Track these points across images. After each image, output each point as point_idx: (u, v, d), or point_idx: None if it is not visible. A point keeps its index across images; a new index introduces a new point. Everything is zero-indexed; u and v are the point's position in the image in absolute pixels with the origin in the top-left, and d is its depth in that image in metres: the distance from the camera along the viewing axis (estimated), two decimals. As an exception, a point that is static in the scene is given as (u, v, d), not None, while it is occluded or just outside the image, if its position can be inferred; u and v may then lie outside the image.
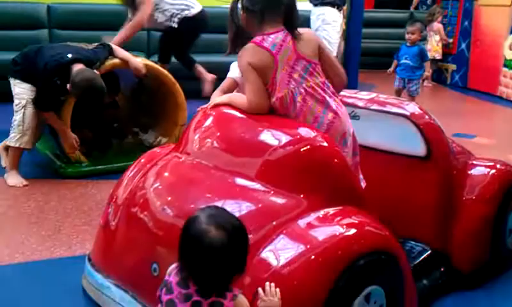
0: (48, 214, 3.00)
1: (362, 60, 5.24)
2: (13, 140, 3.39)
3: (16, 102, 3.38)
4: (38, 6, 6.03)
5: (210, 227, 1.42)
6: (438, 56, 7.76)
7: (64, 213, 3.02)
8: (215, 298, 1.44)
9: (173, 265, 1.54)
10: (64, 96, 3.41)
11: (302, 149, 1.89)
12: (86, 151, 3.71)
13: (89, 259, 2.24)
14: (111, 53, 3.57)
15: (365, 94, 2.47)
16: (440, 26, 7.75)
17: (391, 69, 5.61)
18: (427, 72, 6.30)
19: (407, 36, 5.43)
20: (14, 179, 3.41)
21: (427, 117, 2.30)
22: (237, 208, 1.81)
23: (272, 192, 1.85)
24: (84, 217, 2.98)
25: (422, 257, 2.24)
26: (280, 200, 1.83)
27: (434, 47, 7.71)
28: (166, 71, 3.88)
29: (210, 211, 1.49)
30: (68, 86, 3.25)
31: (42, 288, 2.25)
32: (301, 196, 1.83)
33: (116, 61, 3.59)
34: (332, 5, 5.35)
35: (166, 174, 2.11)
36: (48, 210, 3.05)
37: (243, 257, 1.48)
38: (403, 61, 5.40)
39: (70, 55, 3.31)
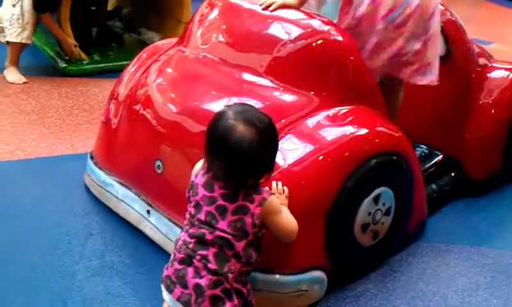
0: (49, 112, 2.93)
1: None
2: (13, 35, 3.24)
3: None
4: None
5: (239, 123, 1.34)
6: None
7: (66, 111, 2.95)
8: (241, 202, 1.37)
9: (199, 165, 1.47)
10: None
11: (314, 44, 1.77)
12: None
13: (92, 157, 2.20)
14: None
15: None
16: None
17: None
18: None
19: None
20: (14, 75, 3.31)
21: (448, 14, 2.15)
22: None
23: (281, 88, 1.75)
24: (86, 115, 2.91)
25: (433, 161, 2.19)
26: (289, 97, 1.74)
27: None
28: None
29: (237, 107, 1.41)
30: None
31: (44, 185, 2.22)
32: (312, 93, 1.74)
33: None
34: None
35: (169, 69, 2.01)
36: (49, 108, 2.98)
37: (272, 155, 1.41)
38: None
39: None
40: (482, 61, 2.31)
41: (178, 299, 1.34)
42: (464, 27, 2.19)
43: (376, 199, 1.69)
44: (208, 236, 1.35)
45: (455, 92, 2.18)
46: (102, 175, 2.08)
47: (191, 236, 1.38)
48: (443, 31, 2.11)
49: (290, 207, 1.53)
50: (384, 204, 1.73)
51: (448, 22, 2.14)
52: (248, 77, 1.80)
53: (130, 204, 1.94)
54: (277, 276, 1.57)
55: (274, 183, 1.55)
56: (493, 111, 2.23)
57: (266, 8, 1.86)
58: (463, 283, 1.79)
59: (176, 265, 1.37)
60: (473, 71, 2.23)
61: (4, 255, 1.79)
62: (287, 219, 1.46)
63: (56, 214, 2.02)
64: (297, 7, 1.85)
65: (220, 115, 1.38)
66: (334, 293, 1.69)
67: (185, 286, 1.34)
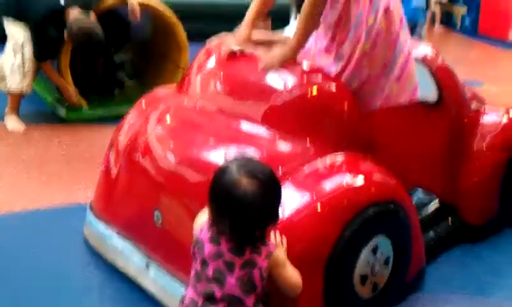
0: (49, 160, 2.95)
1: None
2: (14, 83, 3.28)
3: (12, 42, 3.26)
4: None
5: (242, 177, 1.35)
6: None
7: (66, 159, 2.98)
8: (249, 255, 1.37)
9: (204, 218, 1.47)
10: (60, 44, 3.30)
11: (309, 92, 1.81)
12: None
13: (91, 208, 2.20)
14: None
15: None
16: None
17: None
18: (436, 10, 6.07)
19: None
20: (14, 123, 3.34)
21: (440, 60, 2.20)
22: (241, 153, 1.75)
23: (277, 136, 1.78)
24: (86, 163, 2.93)
25: (430, 208, 2.20)
26: (285, 145, 1.77)
27: None
28: (166, 11, 3.73)
29: (239, 161, 1.43)
30: (65, 35, 3.14)
31: (43, 238, 2.22)
32: (308, 140, 1.77)
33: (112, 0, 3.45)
34: None
35: (168, 117, 2.03)
36: (49, 156, 3.00)
37: (277, 204, 1.42)
38: (414, 4, 5.19)
39: (62, 1, 3.18)
40: (474, 105, 2.35)
41: None
42: (454, 71, 2.23)
43: (375, 249, 1.70)
44: (218, 294, 1.36)
45: (448, 137, 2.21)
46: (101, 227, 2.08)
47: (198, 294, 1.39)
48: (434, 77, 2.16)
49: (288, 258, 1.54)
50: (382, 254, 1.73)
51: (440, 67, 2.19)
52: (245, 125, 1.83)
53: (129, 256, 1.94)
54: (276, 328, 1.56)
55: (271, 233, 1.56)
56: (487, 156, 2.25)
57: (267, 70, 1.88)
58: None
59: None
60: (466, 116, 2.26)
61: (1, 309, 1.78)
62: (292, 273, 1.46)
63: (55, 267, 2.01)
64: (294, 58, 1.89)
65: (223, 170, 1.40)
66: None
67: None
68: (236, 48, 1.97)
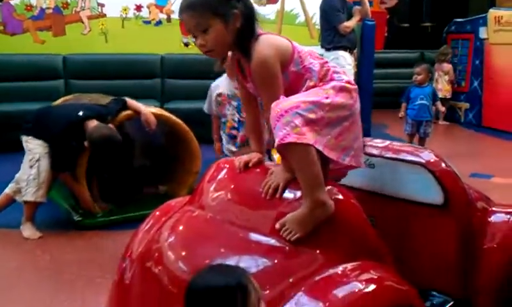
0: (63, 266, 2.99)
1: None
2: (28, 194, 3.42)
3: (29, 157, 3.44)
4: (55, 58, 6.18)
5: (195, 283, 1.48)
6: (449, 95, 7.80)
7: (79, 265, 3.01)
8: None
9: None
10: (79, 155, 3.46)
11: (317, 202, 1.86)
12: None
13: (103, 316, 2.21)
14: (124, 106, 3.64)
15: (379, 142, 2.46)
16: (450, 66, 7.79)
17: (402, 113, 5.52)
18: (442, 110, 6.30)
19: (414, 77, 5.43)
20: (29, 231, 3.43)
21: (443, 164, 2.27)
22: (252, 264, 1.78)
23: (287, 247, 1.82)
24: (99, 269, 2.96)
25: (445, 308, 2.18)
26: (295, 256, 1.79)
27: (444, 86, 7.74)
28: (178, 120, 3.91)
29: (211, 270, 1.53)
30: (85, 143, 3.31)
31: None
32: (317, 251, 1.80)
33: (128, 112, 3.64)
34: (344, 48, 5.39)
35: (180, 228, 2.09)
36: (63, 262, 3.05)
37: None
38: (418, 102, 5.35)
39: (81, 113, 3.38)
40: (480, 205, 2.39)
41: None
42: (459, 174, 2.30)
43: (389, 356, 1.69)
44: None
45: (457, 238, 2.23)
46: (114, 337, 2.08)
47: None
48: (439, 181, 2.22)
49: None
50: None
51: (444, 171, 2.25)
52: (254, 236, 1.88)
53: None
54: None
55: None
56: (498, 255, 2.26)
57: (271, 195, 1.92)
58: None
59: None
60: (473, 216, 2.30)
61: None
62: None
63: None
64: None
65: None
66: None
67: None
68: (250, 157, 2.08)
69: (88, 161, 3.53)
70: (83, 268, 2.97)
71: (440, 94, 7.01)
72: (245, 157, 2.11)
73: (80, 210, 3.64)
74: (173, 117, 3.94)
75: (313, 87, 1.89)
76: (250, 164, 2.08)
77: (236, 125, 3.51)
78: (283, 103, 1.81)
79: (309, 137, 1.78)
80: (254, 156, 2.12)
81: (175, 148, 4.11)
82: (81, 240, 3.36)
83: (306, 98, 1.83)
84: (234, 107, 3.49)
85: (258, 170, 2.07)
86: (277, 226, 1.82)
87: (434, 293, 2.25)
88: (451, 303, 2.22)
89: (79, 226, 3.55)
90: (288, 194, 1.91)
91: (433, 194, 2.23)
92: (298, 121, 1.77)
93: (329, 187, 1.88)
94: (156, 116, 3.72)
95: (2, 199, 3.57)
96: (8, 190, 3.55)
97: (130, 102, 3.69)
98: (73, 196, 3.71)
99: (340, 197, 1.88)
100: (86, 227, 3.55)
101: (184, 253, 1.96)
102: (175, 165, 4.16)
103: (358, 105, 1.95)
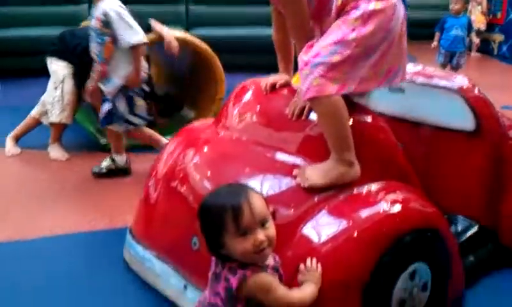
0: (89, 187, 3.05)
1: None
2: (54, 116, 3.45)
3: (53, 79, 3.46)
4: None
5: (209, 195, 1.49)
6: (483, 27, 7.50)
7: (106, 186, 3.07)
8: (226, 272, 1.43)
9: None
10: None
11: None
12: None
13: (131, 232, 2.27)
14: (148, 29, 3.56)
15: (410, 67, 2.37)
16: (485, -3, 7.47)
17: (435, 43, 5.33)
18: (476, 41, 5.99)
19: (451, 6, 5.22)
20: (57, 152, 3.48)
21: (476, 90, 2.20)
22: (277, 183, 1.78)
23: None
24: (125, 190, 3.02)
25: (469, 233, 2.17)
26: (321, 175, 1.78)
27: (478, 17, 7.43)
28: (204, 45, 3.83)
29: (230, 186, 1.54)
30: None
31: (84, 261, 2.29)
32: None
33: (151, 36, 3.57)
34: None
35: (205, 149, 2.09)
36: (90, 183, 3.10)
37: (209, 234, 1.45)
38: (453, 32, 5.17)
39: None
40: (512, 133, 2.33)
41: None
42: (491, 101, 2.22)
43: (412, 275, 1.69)
44: (212, 299, 1.47)
45: (487, 164, 2.19)
46: (141, 250, 2.14)
47: (208, 293, 1.52)
48: (471, 107, 2.15)
49: (324, 285, 1.55)
50: (420, 280, 1.72)
51: (477, 98, 2.18)
52: (281, 156, 1.87)
53: (168, 279, 1.98)
54: (313, 355, 1.56)
55: (308, 260, 1.58)
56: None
57: (297, 116, 1.88)
58: None
59: None
60: (505, 144, 2.24)
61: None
62: (281, 297, 1.45)
63: (96, 289, 2.07)
64: None
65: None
66: None
67: None
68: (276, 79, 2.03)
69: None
70: (110, 189, 3.03)
71: (474, 26, 6.75)
72: (271, 78, 2.07)
73: (105, 133, 3.66)
74: (198, 41, 3.87)
75: (341, 7, 1.75)
76: (277, 86, 2.04)
77: None
78: (306, 54, 1.72)
79: (330, 88, 1.67)
80: (281, 77, 2.08)
81: (199, 75, 4.06)
82: (107, 163, 3.41)
83: (327, 41, 1.69)
84: None
85: (284, 91, 2.03)
86: (294, 172, 1.77)
87: (459, 218, 2.24)
88: (476, 228, 2.21)
89: (105, 149, 3.59)
90: (314, 115, 1.87)
91: (465, 120, 2.17)
92: (318, 71, 1.66)
93: (358, 111, 1.84)
94: (180, 40, 3.64)
95: (29, 122, 3.61)
96: (34, 112, 3.59)
97: (155, 23, 3.60)
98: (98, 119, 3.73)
99: (369, 120, 1.84)
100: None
101: (208, 173, 1.97)
102: (198, 93, 4.13)
103: (396, 21, 1.74)
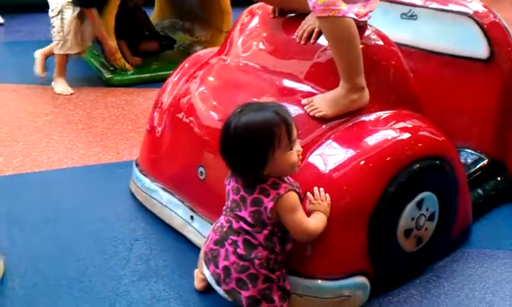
0: (95, 121, 3.03)
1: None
2: (56, 48, 3.38)
3: (51, 7, 3.35)
4: None
5: (234, 118, 1.45)
6: None
7: (111, 120, 3.04)
8: (257, 194, 1.45)
9: None
10: None
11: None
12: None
13: (137, 164, 2.26)
14: None
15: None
16: None
17: None
18: None
19: None
20: (61, 87, 3.44)
21: (491, 16, 2.11)
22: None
23: (321, 93, 1.75)
24: (131, 123, 3.00)
25: (478, 165, 2.14)
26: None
27: None
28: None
29: (250, 107, 1.49)
30: None
31: (91, 192, 2.30)
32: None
33: None
34: None
35: (211, 77, 2.05)
36: (95, 117, 3.08)
37: (258, 149, 1.42)
38: None
39: None
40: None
41: (211, 275, 1.54)
42: (508, 28, 2.14)
43: (419, 204, 1.68)
44: (235, 225, 1.48)
45: (499, 95, 2.13)
46: (147, 182, 2.14)
47: (225, 221, 1.52)
48: (486, 33, 2.08)
49: (332, 213, 1.54)
50: (427, 210, 1.71)
51: (492, 23, 2.10)
52: (288, 83, 1.82)
53: (174, 210, 1.98)
54: (319, 281, 1.57)
55: (315, 188, 1.56)
56: (540, 114, 2.16)
57: (305, 39, 1.81)
58: (510, 289, 1.74)
59: (211, 245, 1.54)
60: (519, 74, 2.17)
61: (53, 258, 1.86)
62: (302, 219, 1.48)
63: (103, 220, 2.08)
64: None
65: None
66: (377, 298, 1.67)
67: (216, 265, 1.51)
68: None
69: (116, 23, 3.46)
70: (115, 122, 3.00)
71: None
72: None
73: (110, 68, 3.61)
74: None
75: None
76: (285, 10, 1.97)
77: None
78: None
79: (342, 6, 1.57)
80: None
81: (205, 9, 3.96)
82: (112, 97, 3.37)
83: None
84: None
85: (293, 15, 1.96)
86: (303, 101, 1.72)
87: (469, 150, 2.20)
88: (485, 161, 2.18)
89: (109, 84, 3.55)
90: (323, 41, 1.81)
91: (478, 48, 2.10)
92: None
93: (368, 32, 1.77)
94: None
95: (41, 59, 3.52)
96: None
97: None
98: (102, 52, 3.66)
99: (380, 43, 1.77)
100: (117, 84, 3.54)
101: (214, 101, 1.93)
102: (205, 26, 4.04)
103: None
